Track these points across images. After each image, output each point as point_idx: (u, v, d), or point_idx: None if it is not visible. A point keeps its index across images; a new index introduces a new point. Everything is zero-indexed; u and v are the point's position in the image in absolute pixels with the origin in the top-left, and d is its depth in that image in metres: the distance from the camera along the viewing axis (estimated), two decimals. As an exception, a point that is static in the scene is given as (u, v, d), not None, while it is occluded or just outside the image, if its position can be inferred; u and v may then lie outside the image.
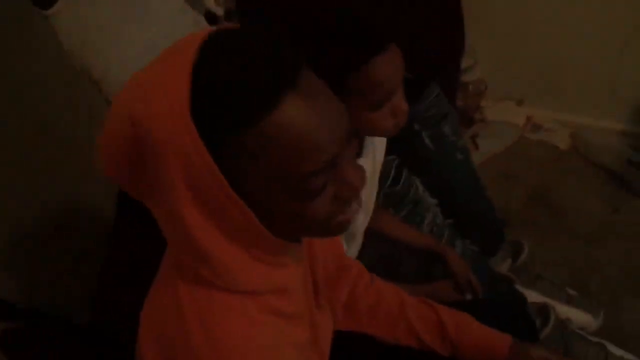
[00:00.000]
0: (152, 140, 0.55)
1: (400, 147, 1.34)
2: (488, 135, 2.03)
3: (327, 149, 0.56)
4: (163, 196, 0.58)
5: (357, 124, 0.88)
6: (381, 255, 1.22)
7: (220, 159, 0.54)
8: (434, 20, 1.70)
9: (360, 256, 1.19)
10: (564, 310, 1.48)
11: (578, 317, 1.49)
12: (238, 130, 0.53)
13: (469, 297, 1.23)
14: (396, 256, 1.26)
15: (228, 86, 0.53)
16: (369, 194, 1.11)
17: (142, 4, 1.28)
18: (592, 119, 2.03)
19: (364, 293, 1.03)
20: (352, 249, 1.10)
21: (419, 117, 1.38)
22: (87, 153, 0.66)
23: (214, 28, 0.58)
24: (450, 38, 1.83)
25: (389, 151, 1.31)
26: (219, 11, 1.40)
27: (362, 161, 1.03)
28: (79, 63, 1.28)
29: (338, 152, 0.58)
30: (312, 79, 0.58)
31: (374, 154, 1.08)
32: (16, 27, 1.19)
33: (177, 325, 0.61)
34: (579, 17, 1.89)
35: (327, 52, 0.81)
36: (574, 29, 1.91)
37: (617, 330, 1.50)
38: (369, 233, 1.22)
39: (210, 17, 1.43)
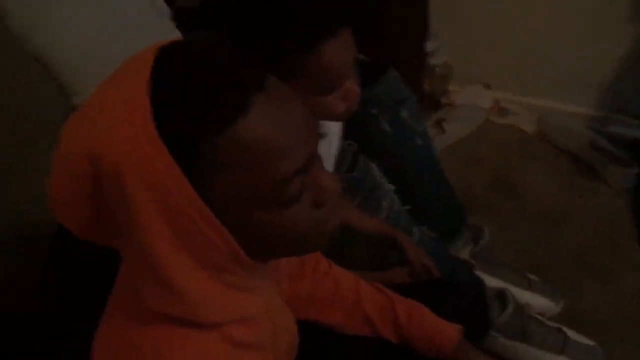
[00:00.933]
0: (119, 174, 0.51)
1: (358, 132, 1.32)
2: (455, 119, 2.02)
3: (300, 152, 0.55)
4: (133, 233, 0.54)
5: (308, 108, 0.86)
6: (336, 241, 1.21)
7: (191, 175, 0.52)
8: (395, 3, 1.68)
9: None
10: (524, 295, 1.48)
11: (538, 302, 1.49)
12: (208, 139, 0.51)
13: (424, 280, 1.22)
14: (351, 243, 1.24)
15: (193, 97, 0.51)
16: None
17: None
18: (558, 103, 2.02)
19: (322, 282, 1.03)
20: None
21: (376, 102, 1.36)
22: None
23: (163, 42, 0.55)
24: (412, 22, 1.81)
25: (345, 136, 1.29)
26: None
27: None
28: (29, 47, 1.24)
29: (311, 154, 0.56)
30: (278, 83, 0.56)
31: (329, 139, 1.06)
32: None
33: None
34: (548, 1, 1.88)
35: (277, 36, 0.79)
36: (540, 12, 1.90)
37: (577, 315, 1.51)
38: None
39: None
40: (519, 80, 2.04)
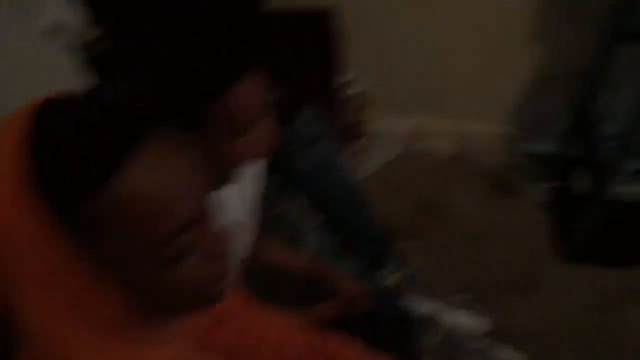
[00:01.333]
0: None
1: (278, 169, 1.33)
2: (374, 148, 2.06)
3: (185, 207, 0.54)
4: (16, 308, 0.53)
5: (222, 156, 0.83)
6: (262, 283, 1.20)
7: (73, 237, 0.51)
8: (307, 43, 1.72)
9: (245, 286, 1.17)
10: (453, 316, 1.51)
11: (467, 321, 1.52)
12: (89, 197, 0.50)
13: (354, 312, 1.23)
14: (278, 280, 1.24)
15: (71, 152, 0.50)
16: (242, 220, 1.09)
17: None
18: (475, 125, 2.10)
19: (245, 331, 1.01)
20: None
21: (293, 138, 1.37)
22: None
23: (39, 100, 0.54)
24: (325, 60, 1.85)
25: (270, 171, 1.29)
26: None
27: (227, 190, 0.99)
28: None
29: (197, 209, 0.55)
30: (160, 138, 0.54)
31: (244, 180, 1.05)
32: None
33: None
34: (455, 24, 1.95)
35: (180, 83, 0.73)
36: (451, 37, 1.97)
37: (505, 331, 1.55)
38: (251, 263, 1.19)
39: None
40: (437, 104, 2.10)
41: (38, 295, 0.52)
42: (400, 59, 2.04)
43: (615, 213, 1.64)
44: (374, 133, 2.10)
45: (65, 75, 0.96)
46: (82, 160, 0.50)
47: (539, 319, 1.59)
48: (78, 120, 0.52)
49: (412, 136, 2.10)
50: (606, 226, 1.65)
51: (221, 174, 0.87)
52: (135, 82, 0.77)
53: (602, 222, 1.63)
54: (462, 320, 1.51)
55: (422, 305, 1.49)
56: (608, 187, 1.58)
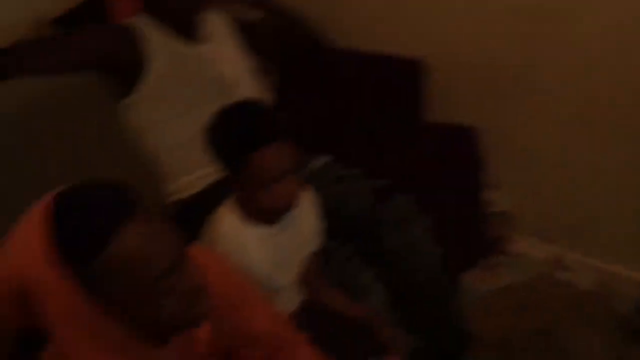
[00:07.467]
0: (30, 286, 0.77)
1: (363, 241, 1.54)
2: (508, 266, 2.10)
3: (165, 257, 0.78)
4: (48, 327, 0.80)
5: (252, 198, 1.15)
6: (312, 327, 1.37)
7: (87, 282, 0.75)
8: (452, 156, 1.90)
9: (298, 322, 1.36)
10: None
11: None
12: (94, 255, 0.74)
13: None
14: (333, 330, 1.39)
15: (81, 224, 0.74)
16: (294, 260, 1.32)
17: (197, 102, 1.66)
18: (618, 267, 2.02)
19: (283, 355, 1.16)
20: (279, 301, 1.29)
21: (384, 218, 1.58)
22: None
23: (61, 189, 0.80)
24: (468, 172, 2.00)
25: (351, 241, 1.52)
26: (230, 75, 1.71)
27: (279, 234, 1.25)
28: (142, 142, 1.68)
29: (173, 259, 0.79)
30: (147, 208, 0.80)
31: (299, 226, 1.30)
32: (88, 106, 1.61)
33: None
34: (610, 161, 1.93)
35: (225, 142, 1.14)
36: (609, 174, 1.95)
37: None
38: (308, 304, 1.40)
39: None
40: (581, 238, 2.07)
41: (62, 324, 0.78)
42: (551, 186, 2.07)
43: None
44: (511, 252, 2.15)
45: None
46: (89, 230, 0.74)
47: None
48: (85, 200, 0.77)
49: (549, 263, 2.10)
50: None
51: (265, 215, 1.18)
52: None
53: None
54: None
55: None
56: None
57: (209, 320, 1.01)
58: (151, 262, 0.76)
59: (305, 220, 1.32)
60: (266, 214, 1.20)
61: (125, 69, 1.60)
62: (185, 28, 1.69)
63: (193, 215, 1.32)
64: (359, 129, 1.95)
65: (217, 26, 1.78)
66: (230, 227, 1.20)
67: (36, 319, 0.79)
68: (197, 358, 1.02)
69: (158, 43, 1.63)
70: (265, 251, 1.23)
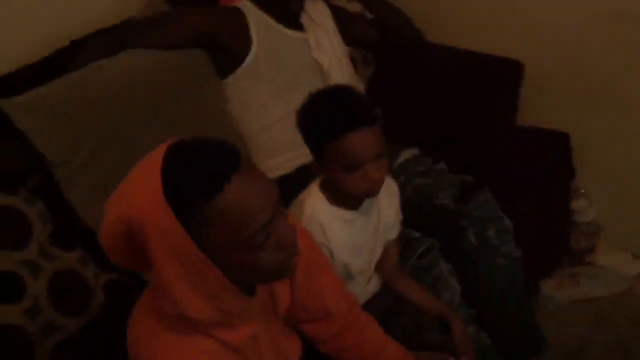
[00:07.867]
0: (142, 230, 0.78)
1: (444, 235, 1.55)
2: (593, 277, 2.04)
3: (265, 212, 0.81)
4: (153, 266, 0.83)
5: (336, 182, 1.18)
6: (386, 309, 1.40)
7: (190, 228, 0.78)
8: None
9: (370, 303, 1.40)
10: None
11: None
12: (200, 205, 0.78)
13: None
14: (399, 314, 1.41)
15: (190, 175, 0.78)
16: (370, 247, 1.35)
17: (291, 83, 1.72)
18: None
19: (351, 334, 1.22)
20: (351, 288, 1.33)
21: (467, 215, 1.58)
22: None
23: (172, 140, 0.83)
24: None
25: (432, 234, 1.53)
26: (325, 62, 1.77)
27: (359, 218, 1.29)
28: (234, 122, 1.77)
29: (271, 215, 0.82)
30: (250, 165, 0.84)
31: (378, 211, 1.33)
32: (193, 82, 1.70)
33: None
34: None
35: (316, 124, 1.16)
36: None
37: None
38: (385, 289, 1.43)
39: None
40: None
41: (165, 261, 0.81)
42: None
43: None
44: (598, 264, 2.08)
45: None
46: (196, 183, 0.78)
47: None
48: (195, 156, 0.80)
49: (636, 280, 2.02)
50: None
51: (350, 199, 1.21)
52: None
53: None
54: None
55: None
56: None
57: (290, 282, 1.07)
58: (251, 217, 0.80)
59: (386, 208, 1.34)
60: (352, 197, 1.23)
61: (231, 48, 1.68)
62: (286, 14, 1.76)
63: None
64: (450, 125, 1.94)
65: (316, 14, 1.82)
66: (314, 209, 1.24)
67: (142, 255, 0.84)
68: (275, 317, 1.07)
69: (260, 26, 1.70)
70: (346, 234, 1.26)
